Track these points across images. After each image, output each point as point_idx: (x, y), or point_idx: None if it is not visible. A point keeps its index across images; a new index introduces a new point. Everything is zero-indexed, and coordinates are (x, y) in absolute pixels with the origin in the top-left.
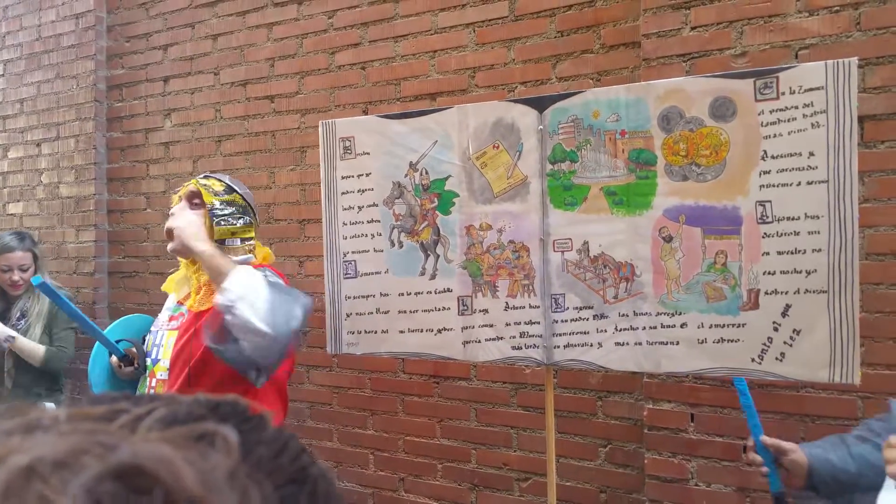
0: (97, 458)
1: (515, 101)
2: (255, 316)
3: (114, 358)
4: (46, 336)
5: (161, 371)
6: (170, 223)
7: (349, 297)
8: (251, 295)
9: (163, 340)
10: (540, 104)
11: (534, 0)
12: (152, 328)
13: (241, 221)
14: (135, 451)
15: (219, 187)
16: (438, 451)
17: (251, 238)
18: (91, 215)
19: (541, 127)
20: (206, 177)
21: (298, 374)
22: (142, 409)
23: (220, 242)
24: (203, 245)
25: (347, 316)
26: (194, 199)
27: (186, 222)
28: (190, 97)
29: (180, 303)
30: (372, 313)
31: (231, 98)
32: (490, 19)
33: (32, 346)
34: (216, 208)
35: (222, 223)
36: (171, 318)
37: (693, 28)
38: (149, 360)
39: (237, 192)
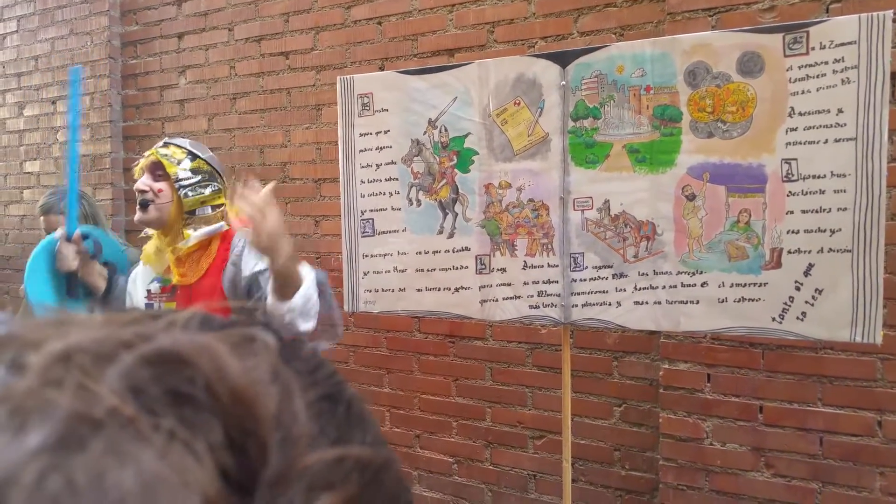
0: (135, 346)
1: (538, 56)
2: (304, 324)
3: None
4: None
5: None
6: (258, 213)
7: (367, 256)
8: (307, 305)
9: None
10: (563, 59)
11: None
12: (148, 298)
13: (209, 189)
14: (175, 340)
15: (181, 155)
16: (454, 409)
17: (221, 204)
18: (107, 173)
19: (563, 83)
20: (165, 145)
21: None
22: (178, 316)
23: (191, 213)
24: (288, 247)
25: (365, 274)
26: (157, 171)
27: (277, 219)
28: (204, 54)
29: (164, 276)
30: (389, 272)
31: (245, 54)
32: None
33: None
34: (181, 179)
35: (189, 194)
36: (163, 290)
37: None
38: None
39: (200, 158)
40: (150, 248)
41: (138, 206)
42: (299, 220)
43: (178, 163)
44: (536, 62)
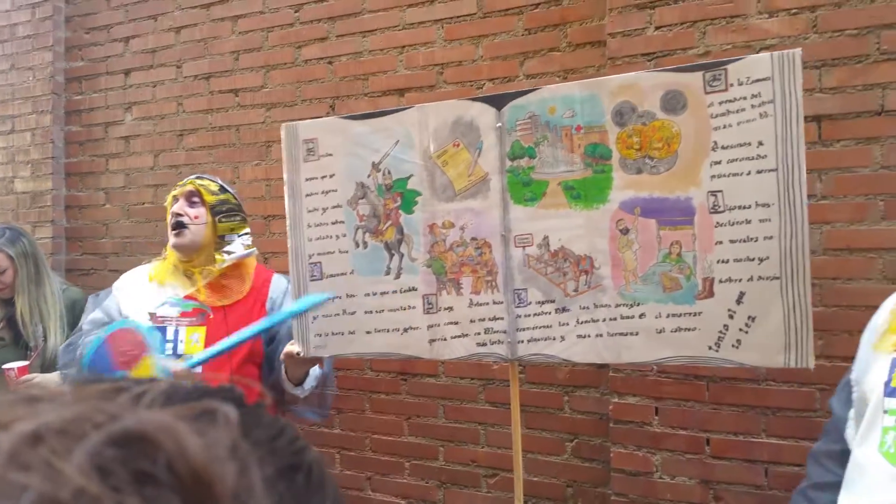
0: (101, 426)
1: (474, 100)
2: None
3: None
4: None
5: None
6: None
7: None
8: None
9: (181, 336)
10: (498, 102)
11: None
12: (152, 321)
13: (237, 218)
14: (139, 419)
15: (214, 186)
16: (406, 448)
17: (248, 234)
18: (48, 211)
19: (499, 124)
20: (198, 178)
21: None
22: (143, 387)
23: (220, 238)
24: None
25: (314, 318)
26: (192, 198)
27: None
28: (152, 90)
29: (190, 297)
30: (339, 314)
31: (194, 91)
32: (458, 16)
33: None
34: (215, 206)
35: (223, 220)
36: (183, 314)
37: (657, 28)
38: (155, 356)
39: (229, 192)
40: (162, 270)
41: (172, 230)
42: None
43: (212, 192)
44: (473, 105)
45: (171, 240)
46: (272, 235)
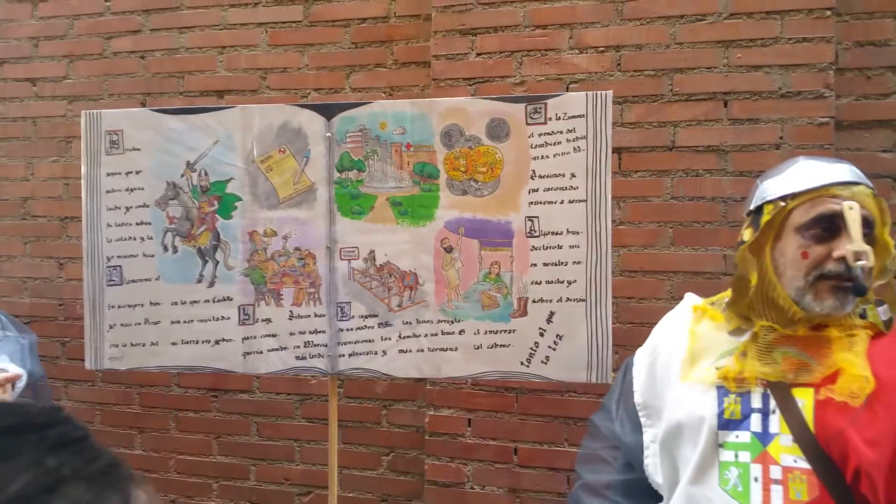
0: None
1: (303, 106)
2: None
3: None
4: None
5: (784, 452)
6: None
7: (113, 307)
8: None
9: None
10: (328, 111)
11: (329, 8)
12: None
13: None
14: None
15: None
16: (214, 469)
17: None
18: None
19: (328, 134)
20: None
21: (55, 390)
22: None
23: None
24: None
25: (111, 327)
26: None
27: None
28: None
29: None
30: (140, 324)
31: None
32: (283, 21)
33: None
34: None
35: None
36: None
37: (479, 54)
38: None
39: None
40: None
41: None
42: (40, 262)
43: None
44: (302, 112)
45: None
46: (69, 239)
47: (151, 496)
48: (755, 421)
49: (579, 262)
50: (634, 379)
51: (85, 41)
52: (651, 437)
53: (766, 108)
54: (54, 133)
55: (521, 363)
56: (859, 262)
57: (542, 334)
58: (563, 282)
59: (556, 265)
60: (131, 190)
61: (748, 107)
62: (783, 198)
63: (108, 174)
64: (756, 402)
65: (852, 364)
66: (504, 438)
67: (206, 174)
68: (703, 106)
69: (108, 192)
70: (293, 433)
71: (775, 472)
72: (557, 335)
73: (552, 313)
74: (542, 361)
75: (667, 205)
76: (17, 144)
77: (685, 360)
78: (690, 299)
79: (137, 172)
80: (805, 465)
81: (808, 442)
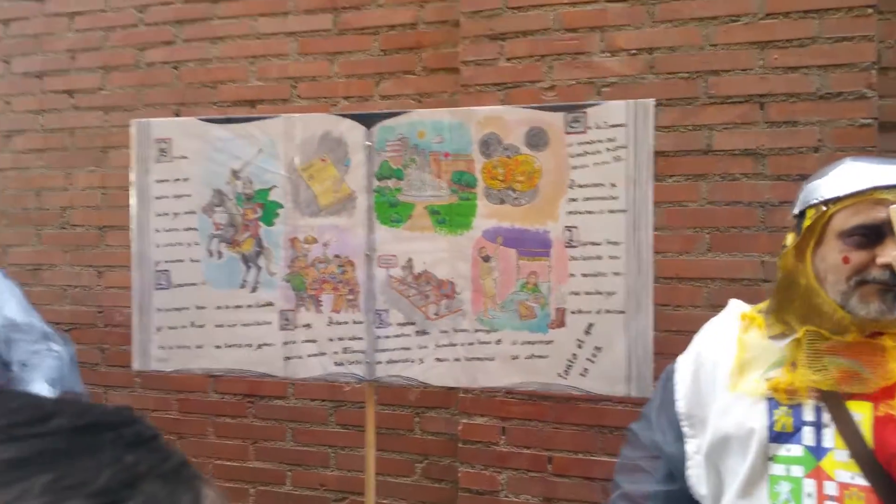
0: None
1: (344, 116)
2: None
3: None
4: None
5: (840, 468)
6: None
7: (160, 310)
8: None
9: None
10: (368, 121)
11: (358, 16)
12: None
13: None
14: None
15: None
16: (251, 474)
17: None
18: None
19: (368, 143)
20: None
21: (95, 396)
22: None
23: None
24: None
25: (158, 330)
26: None
27: None
28: None
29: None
30: (185, 327)
31: (24, 90)
32: (313, 30)
33: None
34: None
35: None
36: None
37: (508, 59)
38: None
39: None
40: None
41: None
42: (80, 271)
43: None
44: (342, 121)
45: None
46: (108, 248)
47: (219, 495)
48: (808, 434)
49: (619, 274)
50: (676, 387)
51: (119, 53)
52: (695, 447)
53: (805, 109)
54: (91, 143)
55: (559, 374)
56: (881, 261)
57: (580, 346)
58: (602, 293)
59: (595, 276)
60: (179, 196)
61: (786, 109)
62: (825, 202)
63: (157, 181)
64: (808, 415)
65: None
66: (538, 447)
67: (250, 182)
68: (740, 108)
69: (157, 198)
70: (328, 439)
71: (830, 489)
72: (596, 347)
73: (591, 324)
74: (581, 374)
75: (703, 210)
76: (55, 155)
77: (733, 370)
78: (736, 306)
79: (185, 180)
80: (863, 482)
81: (867, 459)
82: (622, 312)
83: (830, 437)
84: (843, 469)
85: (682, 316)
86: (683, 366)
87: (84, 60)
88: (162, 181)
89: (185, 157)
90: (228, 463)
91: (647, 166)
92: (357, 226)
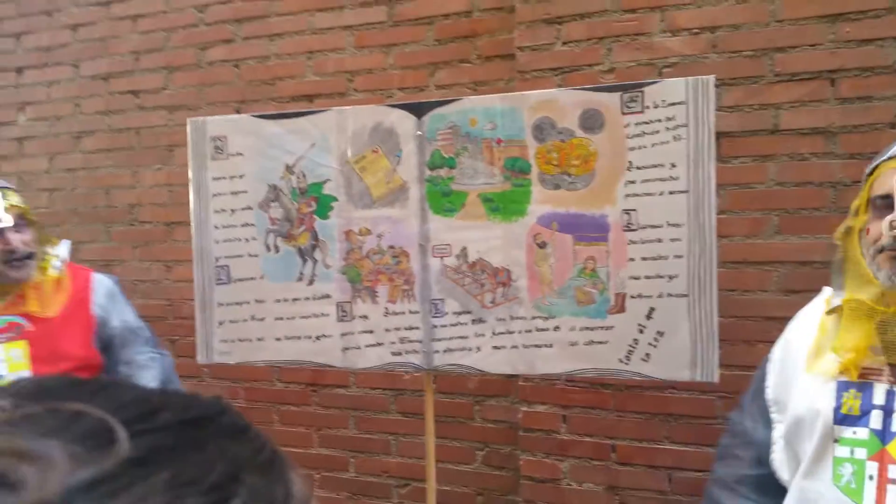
0: None
1: (394, 106)
2: None
3: None
4: None
5: None
6: None
7: (221, 304)
8: None
9: (1, 355)
10: (418, 110)
11: (412, 7)
12: None
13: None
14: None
15: (19, 198)
16: (316, 461)
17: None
18: None
19: (419, 132)
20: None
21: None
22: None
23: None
24: None
25: (220, 324)
26: (19, 221)
27: None
28: (46, 90)
29: (1, 314)
30: (246, 320)
31: (92, 92)
32: (368, 23)
33: None
34: (35, 222)
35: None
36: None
37: (565, 43)
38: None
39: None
40: None
41: (10, 262)
42: (149, 266)
43: (29, 209)
44: (393, 112)
45: (12, 273)
46: (175, 243)
47: (304, 479)
48: (875, 418)
49: (681, 256)
50: (768, 375)
51: (181, 52)
52: (779, 432)
53: (880, 84)
54: (157, 142)
55: (620, 360)
56: (893, 231)
57: (641, 331)
58: (663, 276)
59: (655, 259)
60: (236, 193)
61: (859, 84)
62: (869, 173)
63: (214, 178)
64: (878, 399)
65: None
66: (601, 435)
67: (303, 176)
68: (808, 86)
69: (214, 195)
70: (389, 427)
71: (893, 472)
72: (658, 332)
73: (652, 309)
74: (643, 359)
75: (771, 191)
76: (123, 154)
77: (810, 352)
78: (826, 291)
79: (241, 176)
80: None
81: None
82: (685, 296)
83: None
84: None
85: (749, 301)
86: (775, 353)
87: (147, 61)
88: (219, 178)
89: (240, 154)
90: (294, 449)
91: (708, 145)
92: (410, 216)
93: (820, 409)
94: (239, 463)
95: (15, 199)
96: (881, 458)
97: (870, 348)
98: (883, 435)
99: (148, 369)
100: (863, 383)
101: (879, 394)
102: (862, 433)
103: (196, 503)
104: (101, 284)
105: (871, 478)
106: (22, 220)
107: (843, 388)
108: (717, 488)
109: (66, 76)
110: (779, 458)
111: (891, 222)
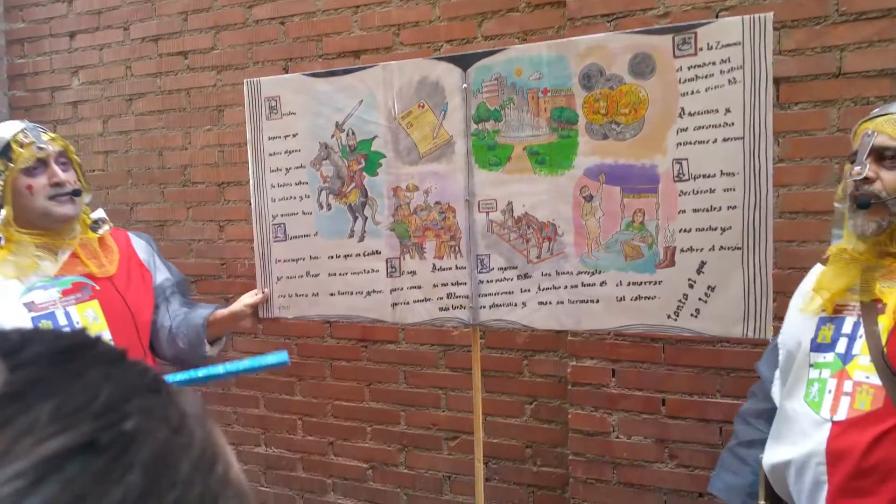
0: None
1: (440, 59)
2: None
3: None
4: None
5: (859, 370)
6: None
7: (279, 261)
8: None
9: (74, 316)
10: (464, 62)
11: None
12: (32, 311)
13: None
14: None
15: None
16: (367, 414)
17: None
18: None
19: (465, 85)
20: (38, 129)
21: None
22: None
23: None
24: None
25: (278, 280)
26: (62, 159)
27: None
28: (98, 53)
29: (63, 273)
30: (302, 276)
31: (142, 54)
32: None
33: None
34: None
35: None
36: (65, 292)
37: None
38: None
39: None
40: (3, 255)
41: (58, 198)
42: (202, 226)
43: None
44: (438, 65)
45: (58, 209)
46: (227, 203)
47: (198, 401)
48: (841, 344)
49: (735, 207)
50: (784, 321)
51: (228, 12)
52: (779, 368)
53: None
54: (207, 103)
55: (669, 316)
56: (849, 178)
57: (691, 286)
58: (716, 229)
59: (707, 210)
60: (290, 152)
61: None
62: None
63: (270, 138)
64: (847, 328)
65: None
66: (651, 389)
67: (353, 133)
68: (876, 25)
69: (270, 154)
70: (438, 381)
71: (847, 387)
72: (709, 286)
73: (703, 263)
74: (692, 315)
75: (832, 138)
76: (174, 116)
77: (807, 293)
78: None
79: (294, 135)
80: (876, 381)
81: (881, 361)
82: (738, 248)
83: (859, 346)
84: (861, 370)
85: (807, 252)
86: (793, 300)
87: (195, 22)
88: (274, 138)
89: (293, 114)
90: (346, 403)
91: (765, 88)
92: (456, 171)
93: (801, 341)
94: (126, 385)
95: (56, 135)
96: (840, 376)
97: (849, 289)
98: (845, 357)
99: (197, 306)
100: (837, 317)
101: (848, 325)
102: (829, 357)
103: (90, 428)
104: (139, 242)
105: (829, 392)
106: (65, 158)
107: (822, 322)
108: (737, 422)
109: (116, 39)
110: (776, 390)
111: (847, 181)
